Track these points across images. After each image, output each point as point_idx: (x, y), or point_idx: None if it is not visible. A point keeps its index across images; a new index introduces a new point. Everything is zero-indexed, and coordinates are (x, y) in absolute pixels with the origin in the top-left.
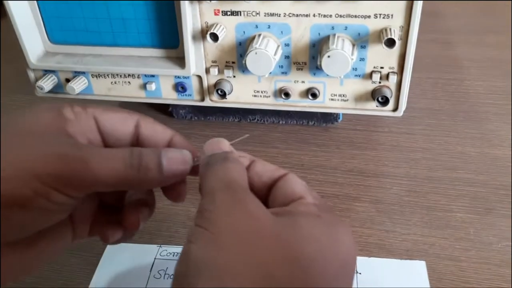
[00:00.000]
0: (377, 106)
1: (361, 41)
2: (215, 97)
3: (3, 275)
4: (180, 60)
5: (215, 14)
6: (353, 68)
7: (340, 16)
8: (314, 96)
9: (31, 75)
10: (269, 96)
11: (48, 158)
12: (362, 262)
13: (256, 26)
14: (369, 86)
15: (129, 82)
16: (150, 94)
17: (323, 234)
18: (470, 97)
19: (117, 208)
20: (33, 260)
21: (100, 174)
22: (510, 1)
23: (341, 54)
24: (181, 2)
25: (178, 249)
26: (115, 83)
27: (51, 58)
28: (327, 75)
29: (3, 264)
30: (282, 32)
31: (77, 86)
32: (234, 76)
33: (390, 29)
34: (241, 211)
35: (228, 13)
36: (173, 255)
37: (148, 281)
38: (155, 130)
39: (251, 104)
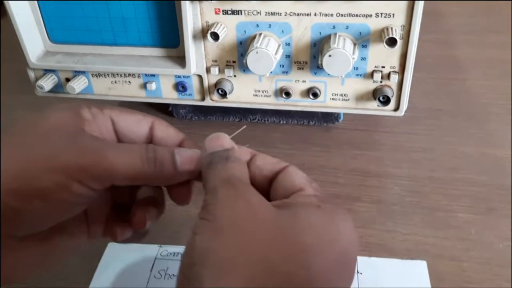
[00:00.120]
0: (378, 105)
1: (363, 40)
2: (215, 96)
3: (18, 268)
4: (180, 60)
5: (216, 13)
6: (354, 68)
7: (341, 15)
8: (315, 95)
9: (31, 74)
10: (270, 96)
11: (69, 151)
12: (363, 262)
13: (257, 25)
14: (370, 85)
15: (129, 81)
16: (151, 94)
17: (322, 224)
18: (471, 97)
19: (128, 208)
20: (47, 255)
21: (118, 166)
22: (511, 1)
23: (342, 53)
24: (182, 1)
25: (178, 248)
26: (115, 82)
27: (51, 57)
28: (328, 74)
29: (20, 257)
30: (283, 31)
31: (77, 85)
32: (234, 76)
33: (391, 28)
34: (242, 204)
35: (229, 12)
36: (174, 255)
37: (148, 281)
38: (168, 133)
39: (252, 103)
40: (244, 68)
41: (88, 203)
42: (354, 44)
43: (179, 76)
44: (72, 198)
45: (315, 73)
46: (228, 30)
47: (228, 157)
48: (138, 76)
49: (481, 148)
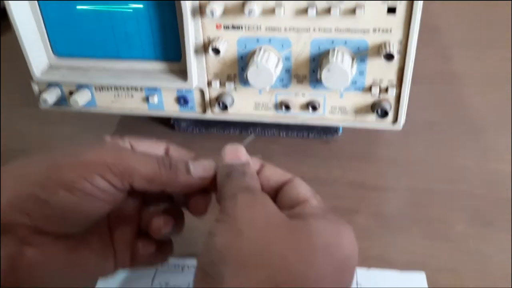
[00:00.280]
0: (376, 119)
1: (361, 55)
2: (216, 110)
3: (40, 269)
4: (182, 73)
5: (217, 28)
6: (352, 81)
7: (340, 30)
8: (315, 108)
9: (35, 88)
10: (270, 109)
11: (93, 149)
12: (362, 274)
13: (257, 40)
14: (368, 99)
15: (132, 95)
16: (153, 107)
17: (329, 232)
18: (469, 110)
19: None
20: (71, 265)
21: (136, 165)
22: (510, 6)
23: (340, 68)
24: (184, 17)
25: (179, 261)
26: (118, 96)
27: (55, 71)
28: (327, 88)
29: (45, 258)
30: (282, 46)
31: (81, 99)
32: (235, 89)
33: (389, 43)
34: (260, 208)
35: (230, 27)
36: (174, 267)
37: None
38: (180, 153)
39: (252, 116)
40: (245, 82)
41: (111, 204)
42: (353, 59)
43: (181, 90)
44: (95, 192)
45: (314, 87)
46: (229, 45)
47: (245, 172)
48: (141, 90)
49: (479, 161)
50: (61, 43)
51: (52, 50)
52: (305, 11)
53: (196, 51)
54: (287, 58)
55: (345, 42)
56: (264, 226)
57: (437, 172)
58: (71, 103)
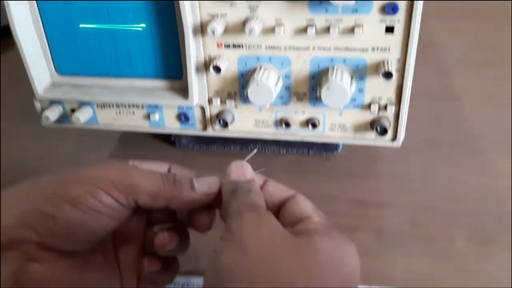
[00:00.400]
0: (376, 136)
1: (360, 73)
2: (217, 127)
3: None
4: (183, 91)
5: (218, 47)
6: (352, 99)
7: (339, 49)
8: (314, 126)
9: (38, 105)
10: (270, 126)
11: (98, 167)
12: None
13: (258, 59)
14: (367, 116)
15: (133, 112)
16: (154, 124)
17: (332, 248)
18: (468, 127)
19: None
20: (75, 285)
21: (141, 181)
22: (505, 24)
23: (340, 86)
24: (186, 36)
25: (185, 279)
26: (119, 113)
27: (58, 88)
28: (327, 106)
29: (50, 274)
30: (282, 64)
31: (82, 116)
32: (236, 106)
33: (387, 61)
34: (265, 226)
35: (231, 46)
36: (181, 285)
37: None
38: (183, 172)
39: (253, 133)
40: (245, 99)
41: (117, 221)
42: (352, 77)
43: (181, 107)
44: (100, 208)
45: (314, 104)
46: (230, 63)
47: (250, 189)
48: (142, 107)
49: (479, 178)
50: (63, 61)
51: (55, 68)
52: (304, 30)
53: (197, 69)
54: (287, 76)
55: (344, 61)
56: (269, 244)
57: (437, 189)
58: (73, 120)
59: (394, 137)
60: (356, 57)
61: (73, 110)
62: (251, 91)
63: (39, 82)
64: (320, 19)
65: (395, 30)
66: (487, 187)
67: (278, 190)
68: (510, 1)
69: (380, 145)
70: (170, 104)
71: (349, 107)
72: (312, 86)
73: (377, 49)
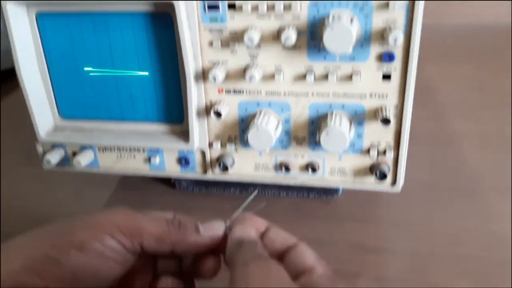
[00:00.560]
0: (375, 181)
1: (358, 118)
2: (217, 170)
3: None
4: (184, 135)
5: (219, 92)
6: (351, 144)
7: (337, 95)
8: (314, 170)
9: (40, 149)
10: (270, 170)
11: (104, 212)
12: None
13: (258, 104)
14: (367, 161)
15: (134, 155)
16: (154, 168)
17: None
18: (467, 171)
19: None
20: None
21: (146, 225)
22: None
23: (338, 132)
24: (188, 82)
25: None
26: (120, 156)
27: (60, 132)
28: (326, 150)
29: None
30: (282, 109)
31: (84, 160)
32: (236, 150)
33: (385, 108)
34: (272, 275)
35: (231, 91)
36: None
37: None
38: (188, 219)
39: (253, 177)
40: (245, 143)
41: (122, 264)
42: (350, 122)
43: (182, 151)
44: (105, 252)
45: (314, 149)
46: (231, 108)
47: (256, 243)
48: (143, 151)
49: (480, 223)
50: (67, 105)
51: (58, 112)
52: (303, 77)
53: (198, 114)
54: (287, 121)
55: (343, 106)
56: None
57: (438, 235)
58: (74, 164)
59: (394, 182)
60: (354, 103)
61: (74, 154)
62: (251, 135)
63: (42, 126)
64: (319, 66)
65: (392, 77)
66: (488, 232)
67: (280, 237)
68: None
69: (379, 190)
70: (171, 147)
71: (349, 151)
72: (311, 131)
73: (375, 95)
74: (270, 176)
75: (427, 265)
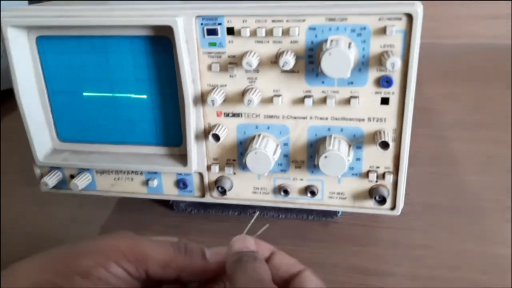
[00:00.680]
0: (374, 205)
1: (357, 142)
2: (215, 193)
3: None
4: (182, 158)
5: (218, 115)
6: (349, 167)
7: (336, 119)
8: (313, 193)
9: (37, 171)
10: (269, 193)
11: (109, 238)
12: None
13: (256, 127)
14: (366, 185)
15: (131, 178)
16: (152, 190)
17: None
18: (467, 192)
19: None
20: None
21: (151, 251)
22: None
23: (337, 155)
24: (186, 106)
25: None
26: (118, 179)
27: (58, 155)
28: (325, 174)
29: None
30: (280, 132)
31: (81, 182)
32: (234, 173)
33: (383, 132)
34: None
35: (230, 115)
36: None
37: None
38: (193, 243)
39: (251, 200)
40: (244, 166)
41: None
42: (349, 146)
43: (180, 174)
44: (110, 279)
45: (312, 172)
46: (229, 131)
47: (255, 257)
48: (141, 173)
49: (480, 245)
50: (66, 128)
51: (57, 135)
52: (302, 100)
53: (197, 137)
54: (285, 144)
55: (341, 130)
56: None
57: (438, 257)
58: (71, 187)
59: (393, 206)
60: (352, 127)
61: (72, 176)
62: (250, 159)
63: (40, 149)
64: (317, 90)
65: (390, 101)
66: (490, 254)
67: (285, 264)
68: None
69: (379, 213)
70: (169, 171)
71: (347, 175)
72: (310, 154)
73: (373, 119)
74: (269, 200)
75: None
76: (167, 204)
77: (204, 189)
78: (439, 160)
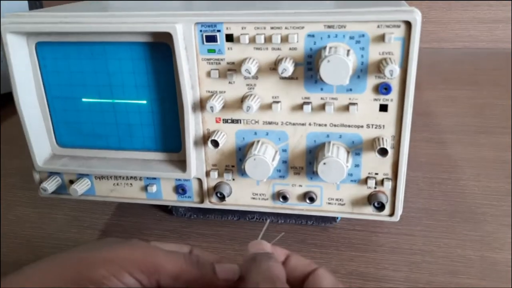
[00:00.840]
0: (373, 211)
1: (355, 148)
2: (214, 199)
3: None
4: (181, 164)
5: (217, 122)
6: (348, 174)
7: (334, 125)
8: (312, 200)
9: (36, 176)
10: (267, 199)
11: (123, 247)
12: None
13: (255, 133)
14: (365, 191)
15: (131, 184)
16: (151, 196)
17: None
18: (466, 197)
19: None
20: None
21: (163, 262)
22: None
23: (336, 162)
24: (185, 112)
25: None
26: (117, 184)
27: (57, 160)
28: (324, 180)
29: None
30: (279, 138)
31: (80, 188)
32: (233, 179)
33: (382, 138)
34: None
35: (229, 121)
36: None
37: None
38: (204, 254)
39: (250, 206)
40: (243, 172)
41: None
42: (348, 152)
43: (179, 179)
44: None
45: (311, 178)
46: (228, 137)
47: (270, 257)
48: (140, 179)
49: (479, 251)
50: (65, 134)
51: (56, 141)
52: (300, 107)
53: (196, 143)
54: (284, 150)
55: (340, 136)
56: None
57: (437, 262)
58: (70, 192)
59: (392, 212)
60: (351, 133)
61: (71, 182)
62: (248, 165)
63: (40, 155)
64: (316, 97)
65: (389, 108)
66: (488, 260)
67: (300, 265)
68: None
69: (378, 219)
70: (168, 176)
71: (346, 181)
72: (309, 160)
73: (372, 126)
74: (268, 206)
75: None
76: (166, 209)
77: (203, 195)
78: (438, 164)
